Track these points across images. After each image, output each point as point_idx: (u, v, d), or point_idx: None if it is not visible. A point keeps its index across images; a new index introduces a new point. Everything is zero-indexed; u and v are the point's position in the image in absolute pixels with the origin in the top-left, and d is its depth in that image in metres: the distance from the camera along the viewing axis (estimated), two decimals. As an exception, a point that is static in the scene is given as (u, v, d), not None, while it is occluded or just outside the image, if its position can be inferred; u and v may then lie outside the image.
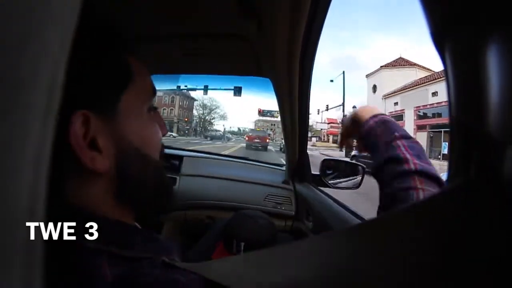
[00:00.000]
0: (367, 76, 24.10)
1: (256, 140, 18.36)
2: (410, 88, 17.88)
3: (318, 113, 33.87)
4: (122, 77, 0.32)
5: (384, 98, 20.51)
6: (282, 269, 0.23)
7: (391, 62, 22.51)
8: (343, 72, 24.22)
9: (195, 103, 39.09)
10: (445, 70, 0.21)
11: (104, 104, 0.30)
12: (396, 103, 19.02)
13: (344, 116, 19.64)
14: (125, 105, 0.31)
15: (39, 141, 0.10)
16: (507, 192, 0.14)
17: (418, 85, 17.29)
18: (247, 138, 19.19)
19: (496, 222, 0.15)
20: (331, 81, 30.23)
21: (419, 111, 16.61)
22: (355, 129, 0.54)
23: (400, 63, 22.32)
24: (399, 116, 17.71)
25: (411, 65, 21.70)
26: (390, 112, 17.62)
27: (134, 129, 0.32)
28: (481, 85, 0.17)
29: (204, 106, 40.26)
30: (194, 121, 39.43)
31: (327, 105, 29.08)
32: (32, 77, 0.09)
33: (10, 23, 0.08)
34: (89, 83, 0.29)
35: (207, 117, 40.25)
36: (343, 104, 23.74)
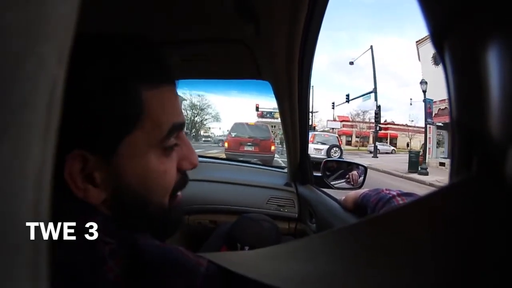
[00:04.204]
0: (419, 42, 14.68)
1: (248, 148, 8.61)
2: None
3: (333, 107, 25.32)
4: (128, 118, 0.28)
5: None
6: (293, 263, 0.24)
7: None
8: (371, 47, 17.94)
9: (184, 103, 31.91)
10: (445, 70, 0.21)
11: (103, 146, 0.27)
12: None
13: (377, 107, 16.36)
14: (128, 146, 0.28)
15: (40, 159, 0.10)
16: (509, 189, 0.14)
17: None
18: (227, 144, 9.12)
19: (498, 217, 0.15)
20: (351, 63, 21.65)
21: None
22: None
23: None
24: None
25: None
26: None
27: (135, 170, 0.29)
28: (482, 85, 0.17)
29: (193, 106, 33.19)
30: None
31: (348, 95, 19.08)
32: (31, 94, 0.09)
33: (5, 41, 0.08)
34: (90, 122, 0.26)
35: (197, 118, 33.84)
36: (375, 90, 16.40)
